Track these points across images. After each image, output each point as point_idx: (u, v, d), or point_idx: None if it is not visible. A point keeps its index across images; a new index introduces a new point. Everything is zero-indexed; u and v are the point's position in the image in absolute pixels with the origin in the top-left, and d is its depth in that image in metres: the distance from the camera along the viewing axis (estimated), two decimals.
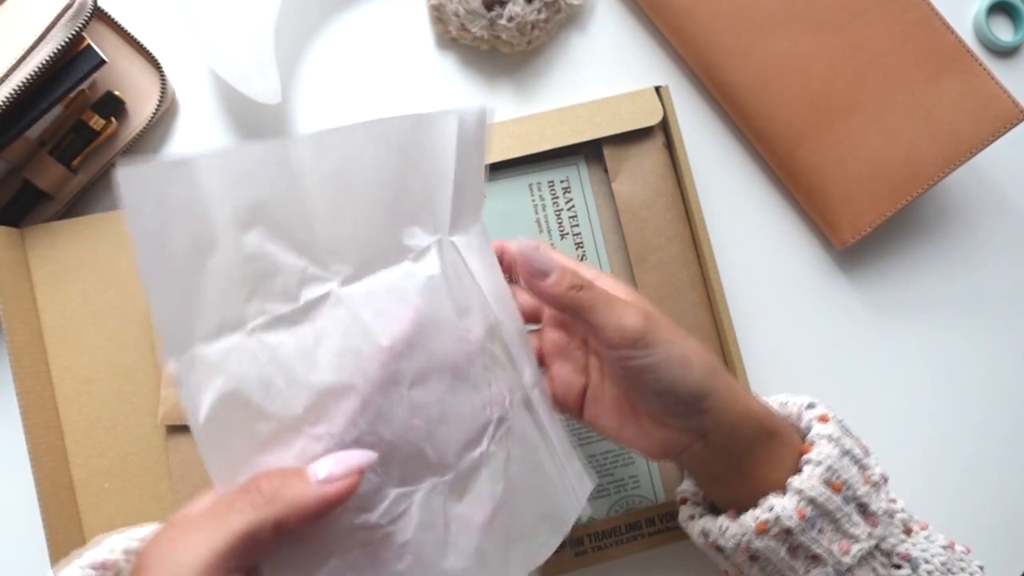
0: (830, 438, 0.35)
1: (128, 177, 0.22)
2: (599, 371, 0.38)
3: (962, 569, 0.37)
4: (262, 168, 0.26)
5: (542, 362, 0.39)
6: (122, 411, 0.45)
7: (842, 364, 0.51)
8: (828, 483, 0.34)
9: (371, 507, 0.28)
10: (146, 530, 0.32)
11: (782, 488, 0.34)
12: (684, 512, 0.39)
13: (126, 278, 0.46)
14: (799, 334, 0.51)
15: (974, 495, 0.51)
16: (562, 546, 0.45)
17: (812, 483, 0.34)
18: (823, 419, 0.36)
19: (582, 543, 0.45)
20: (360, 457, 0.27)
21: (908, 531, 0.37)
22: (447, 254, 0.31)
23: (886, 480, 0.37)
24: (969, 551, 0.38)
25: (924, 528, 0.38)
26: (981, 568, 0.38)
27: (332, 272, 0.27)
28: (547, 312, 0.39)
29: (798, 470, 0.35)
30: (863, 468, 0.36)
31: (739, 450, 0.35)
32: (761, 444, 0.35)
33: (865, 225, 0.49)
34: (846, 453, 0.35)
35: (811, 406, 0.38)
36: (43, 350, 0.45)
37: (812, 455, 0.35)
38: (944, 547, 0.37)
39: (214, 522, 0.25)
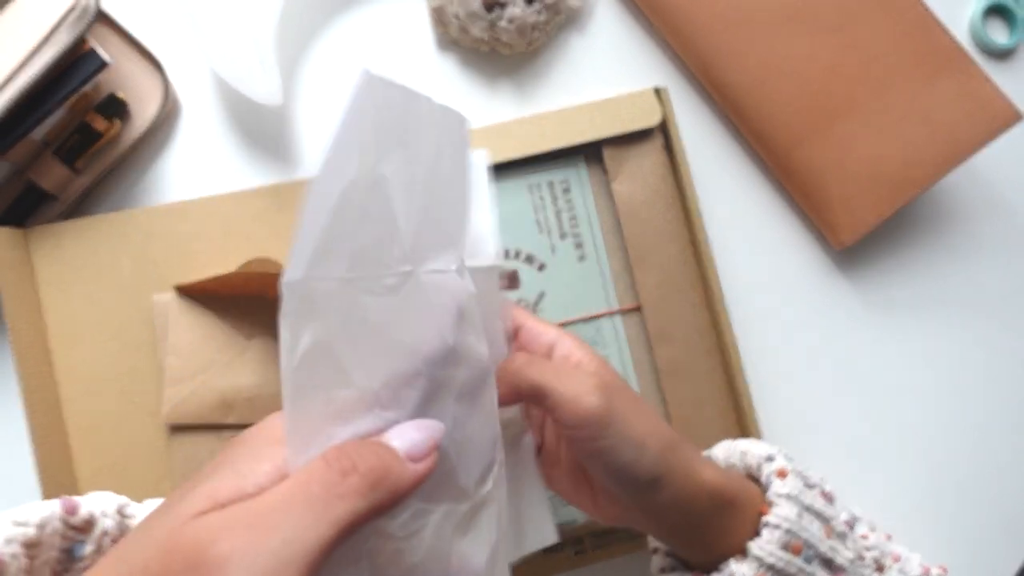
0: (788, 496, 0.34)
1: (370, 81, 0.23)
2: (554, 433, 0.37)
3: None
4: (415, 120, 0.24)
5: None
6: (125, 411, 0.46)
7: (841, 364, 0.52)
8: (787, 546, 0.33)
9: (394, 513, 0.25)
10: (31, 514, 0.27)
11: (743, 551, 0.34)
12: (655, 563, 0.38)
13: (130, 279, 0.46)
14: (798, 334, 0.51)
15: (973, 494, 0.51)
16: (562, 545, 0.45)
17: (770, 548, 0.33)
18: (782, 474, 0.35)
19: (582, 542, 0.46)
20: (438, 427, 0.24)
21: (880, 568, 0.36)
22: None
23: (852, 526, 0.36)
24: (946, 571, 0.38)
25: (897, 560, 0.37)
26: None
27: (412, 252, 0.26)
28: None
29: (757, 532, 0.34)
30: (826, 520, 0.34)
31: (696, 525, 0.34)
32: (718, 515, 0.34)
33: (863, 225, 0.49)
34: (807, 509, 0.34)
35: (770, 459, 0.36)
36: (47, 350, 0.45)
37: (770, 517, 0.33)
38: None
39: (316, 508, 0.21)
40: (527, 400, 0.33)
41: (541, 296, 0.47)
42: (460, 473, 0.28)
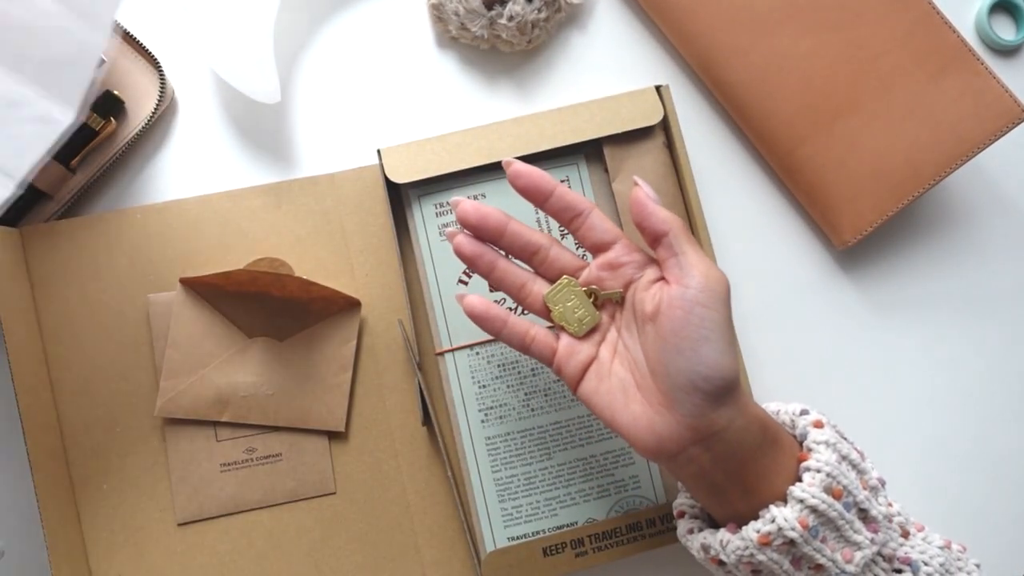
0: (827, 443, 0.35)
1: None
2: (612, 349, 0.38)
3: (959, 568, 0.37)
4: None
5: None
6: (120, 412, 0.45)
7: (843, 363, 0.51)
8: (829, 490, 0.33)
9: None
10: None
11: (782, 498, 0.34)
12: (682, 526, 0.38)
13: (125, 278, 0.46)
14: (800, 333, 0.51)
15: (975, 494, 0.51)
16: (563, 546, 0.45)
17: (813, 491, 0.33)
18: (818, 425, 0.36)
19: (583, 544, 0.45)
20: None
21: (906, 534, 0.37)
22: None
23: (883, 484, 0.36)
24: (965, 549, 0.38)
25: (921, 530, 0.37)
26: (978, 566, 0.37)
27: None
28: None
29: (798, 478, 0.34)
30: (861, 473, 0.35)
31: (742, 458, 0.34)
32: (764, 453, 0.34)
33: (866, 224, 0.49)
34: (844, 458, 0.35)
35: (804, 412, 0.37)
36: (42, 350, 0.45)
37: (811, 462, 0.34)
38: (941, 548, 0.37)
39: None
40: (661, 246, 0.36)
41: None
42: None
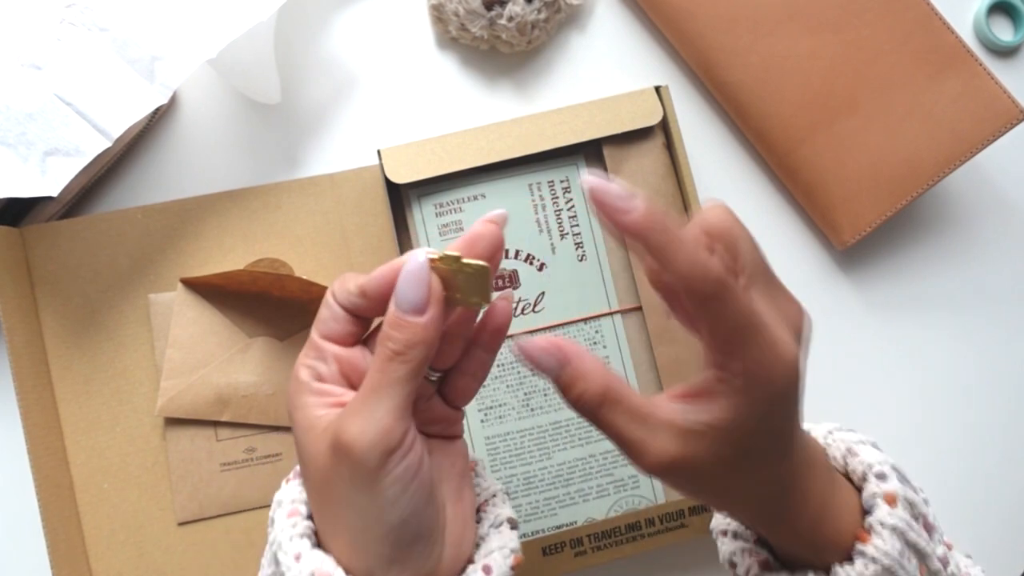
0: (894, 529, 0.30)
1: None
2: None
3: None
4: None
5: None
6: (121, 411, 0.45)
7: (842, 363, 0.51)
8: None
9: None
10: None
11: (842, 547, 0.30)
12: (726, 548, 0.34)
13: (126, 278, 0.46)
14: None
15: (974, 493, 0.51)
16: (562, 546, 0.45)
17: None
18: (890, 501, 0.31)
19: (582, 543, 0.45)
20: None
21: None
22: None
23: (946, 564, 0.32)
24: (970, 557, 0.37)
25: None
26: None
27: None
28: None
29: (848, 557, 0.30)
30: (923, 557, 0.30)
31: (807, 471, 0.30)
32: (827, 484, 0.31)
33: (865, 225, 0.49)
34: (909, 545, 0.30)
35: (881, 477, 0.32)
36: (43, 350, 0.45)
37: (869, 548, 0.29)
38: None
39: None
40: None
41: (541, 296, 0.47)
42: None
